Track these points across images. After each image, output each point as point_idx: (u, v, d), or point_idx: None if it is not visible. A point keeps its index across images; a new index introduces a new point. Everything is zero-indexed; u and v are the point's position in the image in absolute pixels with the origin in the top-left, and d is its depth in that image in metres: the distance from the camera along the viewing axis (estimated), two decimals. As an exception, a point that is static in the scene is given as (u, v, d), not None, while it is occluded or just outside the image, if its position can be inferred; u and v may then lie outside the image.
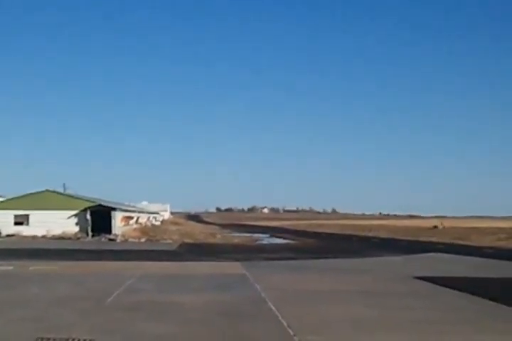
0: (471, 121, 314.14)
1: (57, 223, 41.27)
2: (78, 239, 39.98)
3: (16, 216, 42.49)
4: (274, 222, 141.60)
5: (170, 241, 39.29)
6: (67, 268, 18.46)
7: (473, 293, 13.04)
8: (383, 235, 59.52)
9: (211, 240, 43.95)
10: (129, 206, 62.52)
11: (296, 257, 26.22)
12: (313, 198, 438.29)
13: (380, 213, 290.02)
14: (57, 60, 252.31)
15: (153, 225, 60.19)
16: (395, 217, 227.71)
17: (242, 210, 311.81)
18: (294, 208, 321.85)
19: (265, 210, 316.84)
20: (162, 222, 75.69)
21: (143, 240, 40.35)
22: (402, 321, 9.75)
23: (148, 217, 66.70)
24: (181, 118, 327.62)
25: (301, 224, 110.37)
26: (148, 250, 30.33)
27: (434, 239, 47.71)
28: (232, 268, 19.79)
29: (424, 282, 15.63)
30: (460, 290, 13.71)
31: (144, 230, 47.39)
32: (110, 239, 39.87)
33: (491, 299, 12.12)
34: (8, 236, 40.55)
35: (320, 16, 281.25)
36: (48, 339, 7.79)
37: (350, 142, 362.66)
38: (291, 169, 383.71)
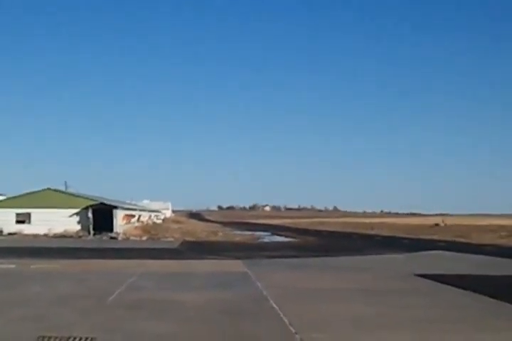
0: (471, 120, 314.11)
1: (58, 221, 41.33)
2: (80, 237, 40.03)
3: (17, 214, 42.61)
4: (276, 220, 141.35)
5: (171, 240, 39.33)
6: (68, 267, 18.48)
7: (474, 291, 13.00)
8: (385, 233, 59.43)
9: (213, 238, 43.97)
10: (130, 204, 62.60)
11: (298, 255, 26.22)
12: (314, 196, 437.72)
13: (382, 211, 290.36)
14: (57, 60, 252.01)
15: (154, 223, 60.19)
16: (396, 214, 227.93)
17: (244, 208, 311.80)
18: (296, 206, 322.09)
19: (267, 208, 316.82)
20: (163, 220, 75.81)
21: (144, 238, 40.44)
22: (403, 319, 9.74)
23: (150, 215, 66.78)
24: (181, 118, 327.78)
25: (303, 222, 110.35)
26: (149, 248, 30.37)
27: (435, 237, 47.67)
28: (234, 266, 19.79)
29: (426, 280, 15.59)
30: (461, 287, 13.66)
31: (146, 228, 47.45)
32: (112, 238, 39.96)
33: (493, 297, 12.08)
34: (10, 234, 40.64)
35: (320, 16, 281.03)
36: (50, 337, 7.80)
37: (351, 140, 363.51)
38: (292, 167, 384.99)
